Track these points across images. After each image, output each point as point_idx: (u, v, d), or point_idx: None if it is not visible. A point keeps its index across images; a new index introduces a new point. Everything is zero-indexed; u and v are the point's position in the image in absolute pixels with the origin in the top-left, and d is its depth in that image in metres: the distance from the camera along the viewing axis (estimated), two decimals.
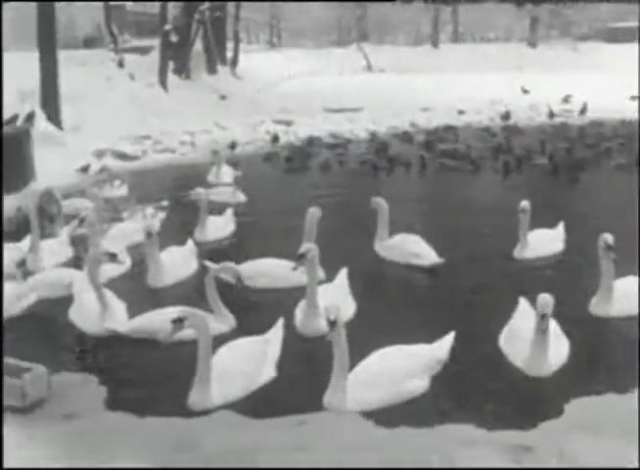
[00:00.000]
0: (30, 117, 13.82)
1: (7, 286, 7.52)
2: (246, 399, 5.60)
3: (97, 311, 6.91)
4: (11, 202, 11.37)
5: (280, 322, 6.50)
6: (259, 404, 5.51)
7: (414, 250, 8.64)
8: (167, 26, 24.67)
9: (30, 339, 6.79)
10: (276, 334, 6.35)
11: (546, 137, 17.84)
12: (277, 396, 5.67)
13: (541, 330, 5.75)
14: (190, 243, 9.00)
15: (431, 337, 6.06)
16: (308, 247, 6.83)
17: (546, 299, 5.78)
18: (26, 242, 9.07)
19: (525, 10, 44.92)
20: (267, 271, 7.90)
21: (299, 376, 5.99)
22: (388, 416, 5.21)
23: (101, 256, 7.07)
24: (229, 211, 10.51)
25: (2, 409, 4.70)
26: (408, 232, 8.91)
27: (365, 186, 13.37)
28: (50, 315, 7.35)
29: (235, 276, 6.93)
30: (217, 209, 10.81)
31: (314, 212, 8.22)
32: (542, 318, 5.73)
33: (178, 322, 5.54)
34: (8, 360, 5.62)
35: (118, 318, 6.97)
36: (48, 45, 16.71)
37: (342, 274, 7.65)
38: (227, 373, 5.66)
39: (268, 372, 5.93)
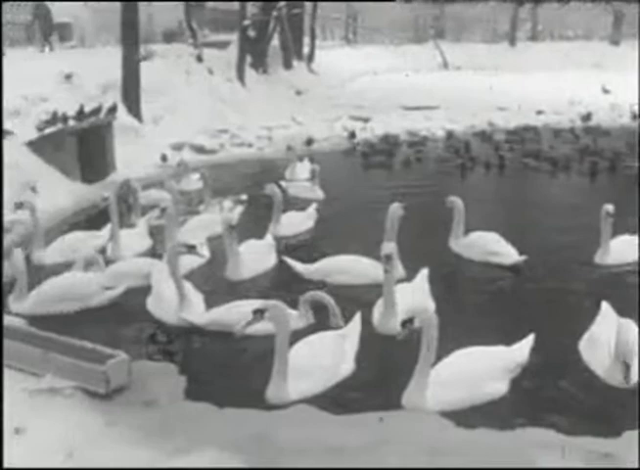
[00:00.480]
0: (112, 110, 14.07)
1: (90, 275, 7.67)
2: (323, 394, 5.58)
3: (174, 302, 6.98)
4: (92, 192, 11.64)
5: (357, 317, 6.47)
6: (337, 400, 5.49)
7: (494, 248, 8.50)
8: (246, 22, 24.90)
9: (109, 327, 6.92)
10: (354, 328, 6.34)
11: (634, 139, 17.26)
12: (354, 392, 5.65)
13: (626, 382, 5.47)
14: (269, 237, 9.03)
15: (509, 338, 5.96)
16: (391, 247, 6.76)
17: (629, 341, 5.48)
18: (106, 231, 9.26)
19: (609, 7, 43.69)
20: (346, 268, 7.85)
21: (377, 374, 5.95)
22: (468, 418, 5.13)
23: (180, 247, 7.15)
24: (312, 207, 10.48)
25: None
26: (487, 231, 8.79)
27: (444, 184, 13.22)
28: (128, 304, 7.46)
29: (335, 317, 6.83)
30: (297, 204, 10.87)
31: (396, 209, 8.08)
32: (624, 368, 5.45)
33: (259, 313, 5.56)
34: (90, 346, 5.74)
35: (195, 310, 7.03)
36: (131, 40, 17.00)
37: (423, 274, 7.52)
38: (304, 368, 5.65)
39: (346, 367, 5.91)
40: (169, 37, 32.14)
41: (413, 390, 5.34)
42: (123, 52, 16.90)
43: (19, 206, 9.01)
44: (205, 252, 8.62)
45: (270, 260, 8.53)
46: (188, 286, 7.23)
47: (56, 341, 5.86)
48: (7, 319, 6.52)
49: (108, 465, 4.55)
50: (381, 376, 5.91)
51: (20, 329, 6.25)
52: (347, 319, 6.53)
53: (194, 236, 8.65)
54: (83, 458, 4.63)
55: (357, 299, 7.23)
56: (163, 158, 14.54)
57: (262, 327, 5.76)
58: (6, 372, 5.66)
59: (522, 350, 5.86)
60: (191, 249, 7.18)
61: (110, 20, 27.46)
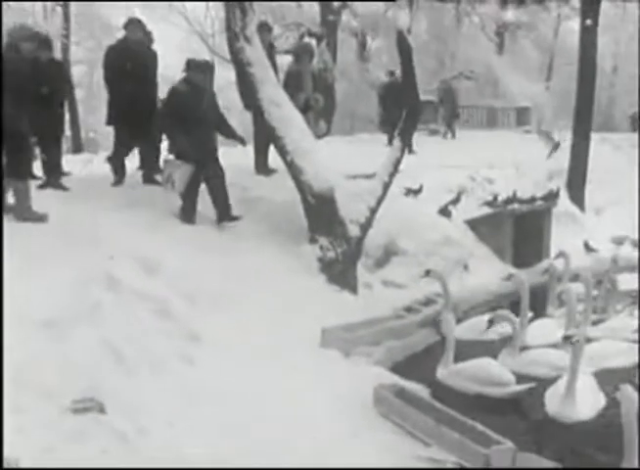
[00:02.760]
0: (554, 196, 14.29)
1: (505, 365, 7.85)
2: None
3: (565, 396, 6.77)
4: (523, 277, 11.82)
5: None
6: None
7: None
8: None
9: (505, 412, 7.10)
10: None
11: None
12: None
13: None
14: None
15: None
16: None
17: None
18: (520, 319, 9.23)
19: None
20: None
21: None
22: None
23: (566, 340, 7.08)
24: None
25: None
26: None
27: None
28: (529, 393, 7.44)
29: None
30: None
31: None
32: None
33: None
34: (480, 428, 6.05)
35: (579, 407, 6.76)
36: (583, 126, 17.17)
37: None
38: None
39: None
40: (634, 123, 31.43)
41: None
42: (574, 137, 17.12)
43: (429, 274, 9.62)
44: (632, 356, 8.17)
45: None
46: (582, 380, 6.99)
47: (449, 415, 6.32)
48: (412, 386, 7.16)
49: None
50: None
51: (421, 399, 6.86)
52: None
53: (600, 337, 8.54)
54: None
55: None
56: (587, 246, 14.34)
57: None
58: (399, 434, 6.22)
59: None
60: (566, 339, 7.07)
61: (568, 103, 27.87)
